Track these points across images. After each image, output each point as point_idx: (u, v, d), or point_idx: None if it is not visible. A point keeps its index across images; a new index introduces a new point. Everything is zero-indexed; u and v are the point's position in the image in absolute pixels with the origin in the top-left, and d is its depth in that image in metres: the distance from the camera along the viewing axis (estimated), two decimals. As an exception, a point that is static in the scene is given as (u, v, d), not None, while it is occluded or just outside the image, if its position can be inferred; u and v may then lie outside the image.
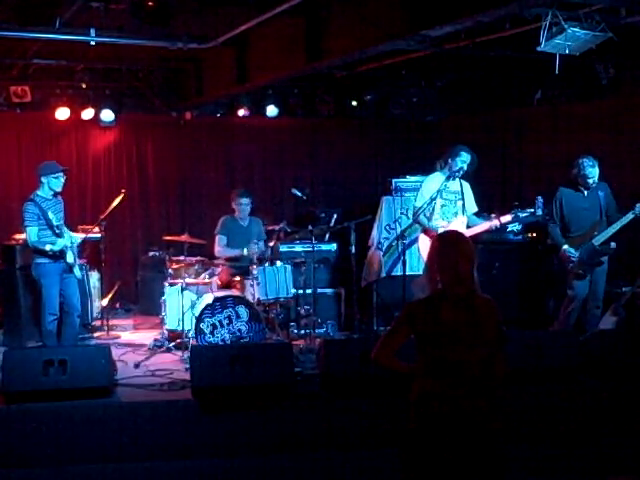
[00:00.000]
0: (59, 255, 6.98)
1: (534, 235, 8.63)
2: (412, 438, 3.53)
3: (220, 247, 8.18)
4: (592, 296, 7.33)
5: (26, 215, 6.95)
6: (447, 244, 3.63)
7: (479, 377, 3.49)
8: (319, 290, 8.33)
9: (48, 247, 6.89)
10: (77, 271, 7.20)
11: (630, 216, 7.07)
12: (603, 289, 7.36)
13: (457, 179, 7.45)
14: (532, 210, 7.31)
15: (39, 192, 7.11)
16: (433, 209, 7.38)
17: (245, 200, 8.25)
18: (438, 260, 3.58)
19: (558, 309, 7.69)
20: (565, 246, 7.27)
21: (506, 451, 3.63)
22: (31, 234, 6.94)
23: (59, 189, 7.16)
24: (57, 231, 6.99)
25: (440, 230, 7.18)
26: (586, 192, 7.29)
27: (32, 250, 7.06)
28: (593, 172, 7.17)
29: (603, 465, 5.52)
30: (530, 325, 8.29)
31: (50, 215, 6.92)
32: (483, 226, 7.41)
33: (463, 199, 7.47)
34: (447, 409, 3.45)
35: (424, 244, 7.29)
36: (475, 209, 7.61)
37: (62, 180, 7.17)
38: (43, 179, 7.10)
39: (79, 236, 7.61)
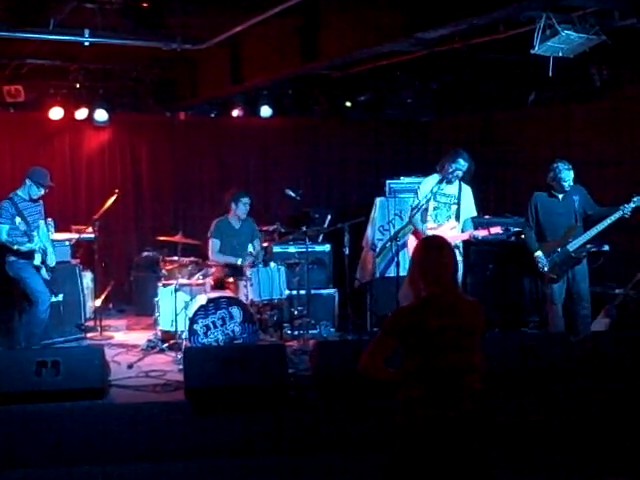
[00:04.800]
0: (27, 255, 7.17)
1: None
2: (399, 446, 3.52)
3: (214, 252, 8.18)
4: (577, 297, 7.30)
5: (0, 212, 7.12)
6: (429, 250, 3.63)
7: (465, 383, 3.47)
8: (313, 291, 8.33)
9: (15, 247, 7.10)
10: (44, 273, 7.35)
11: (619, 214, 7.02)
12: (587, 289, 7.33)
13: (456, 183, 7.44)
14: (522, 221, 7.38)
15: (20, 192, 7.32)
16: (426, 211, 7.40)
17: (247, 199, 8.24)
18: (420, 266, 3.57)
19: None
20: (537, 252, 7.29)
21: (493, 457, 3.62)
22: (2, 231, 7.09)
23: (35, 197, 7.35)
24: (28, 233, 7.14)
25: (428, 233, 7.21)
26: (561, 197, 7.30)
27: (4, 249, 7.21)
28: (569, 175, 7.19)
29: (599, 467, 5.54)
30: (523, 326, 8.32)
31: (17, 220, 7.06)
32: (463, 235, 7.43)
33: (459, 204, 7.46)
34: (433, 415, 3.43)
35: (412, 246, 7.29)
36: (473, 214, 7.60)
37: (42, 192, 7.35)
38: (27, 181, 7.30)
39: (65, 236, 7.71)
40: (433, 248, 3.65)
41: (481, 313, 3.59)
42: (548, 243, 7.30)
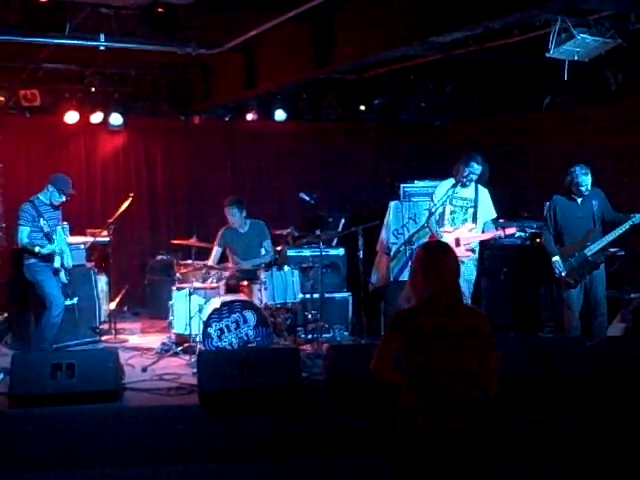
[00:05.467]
0: (47, 258, 7.20)
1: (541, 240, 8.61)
2: (399, 452, 3.50)
3: (214, 259, 8.22)
4: (593, 302, 7.25)
5: (22, 214, 7.19)
6: (431, 254, 3.62)
7: (465, 390, 3.45)
8: (327, 295, 8.32)
9: (37, 249, 7.14)
10: (62, 276, 7.39)
11: (626, 226, 7.00)
12: (604, 294, 7.28)
13: (472, 186, 7.44)
14: (541, 224, 7.34)
15: (41, 196, 7.39)
16: (443, 215, 7.41)
17: (232, 211, 8.18)
18: (422, 270, 3.56)
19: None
20: (555, 257, 7.23)
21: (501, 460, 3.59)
22: (22, 234, 7.16)
23: (56, 203, 7.42)
24: (49, 235, 7.20)
25: (445, 235, 7.22)
26: (580, 200, 7.25)
27: (23, 251, 7.26)
28: (586, 180, 7.13)
29: (613, 474, 5.49)
30: (538, 331, 8.28)
31: (42, 222, 7.14)
32: (487, 235, 7.44)
33: (476, 206, 7.45)
34: (431, 423, 3.41)
35: None
36: (493, 215, 7.59)
37: (63, 199, 7.43)
38: (50, 187, 7.36)
39: (80, 239, 7.75)
40: (435, 251, 3.65)
41: (485, 319, 3.57)
42: (566, 247, 7.25)
